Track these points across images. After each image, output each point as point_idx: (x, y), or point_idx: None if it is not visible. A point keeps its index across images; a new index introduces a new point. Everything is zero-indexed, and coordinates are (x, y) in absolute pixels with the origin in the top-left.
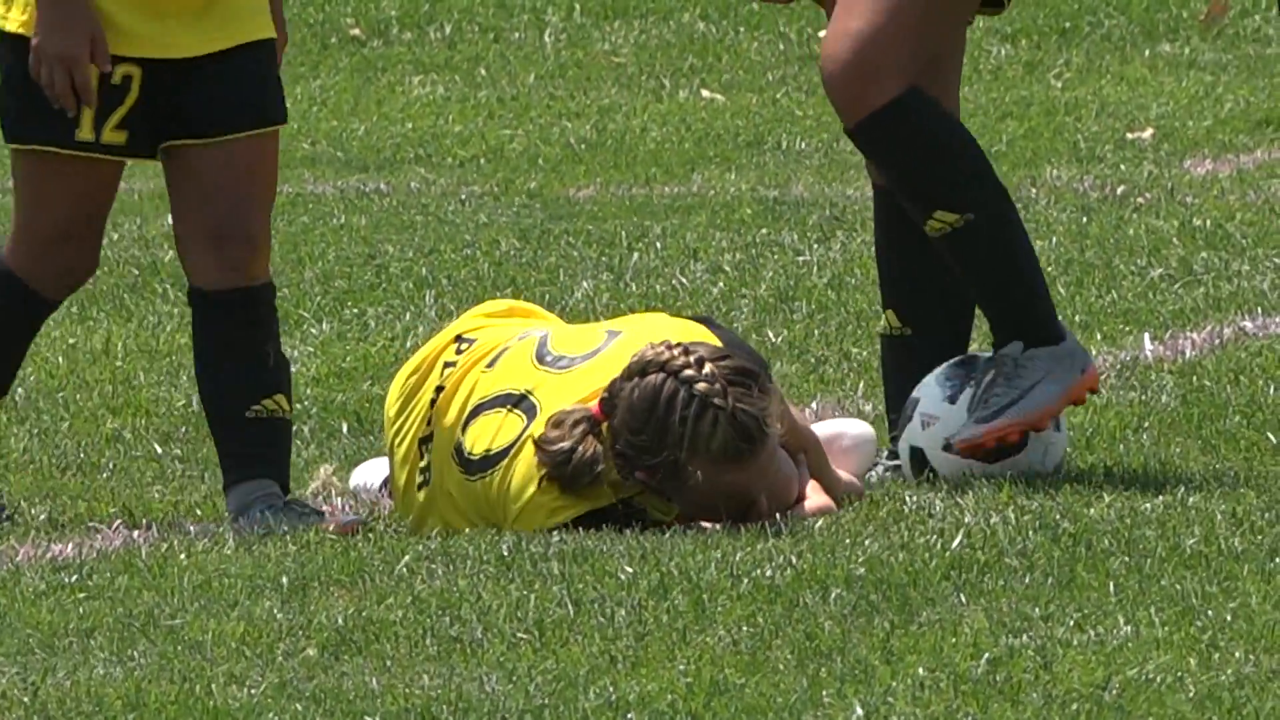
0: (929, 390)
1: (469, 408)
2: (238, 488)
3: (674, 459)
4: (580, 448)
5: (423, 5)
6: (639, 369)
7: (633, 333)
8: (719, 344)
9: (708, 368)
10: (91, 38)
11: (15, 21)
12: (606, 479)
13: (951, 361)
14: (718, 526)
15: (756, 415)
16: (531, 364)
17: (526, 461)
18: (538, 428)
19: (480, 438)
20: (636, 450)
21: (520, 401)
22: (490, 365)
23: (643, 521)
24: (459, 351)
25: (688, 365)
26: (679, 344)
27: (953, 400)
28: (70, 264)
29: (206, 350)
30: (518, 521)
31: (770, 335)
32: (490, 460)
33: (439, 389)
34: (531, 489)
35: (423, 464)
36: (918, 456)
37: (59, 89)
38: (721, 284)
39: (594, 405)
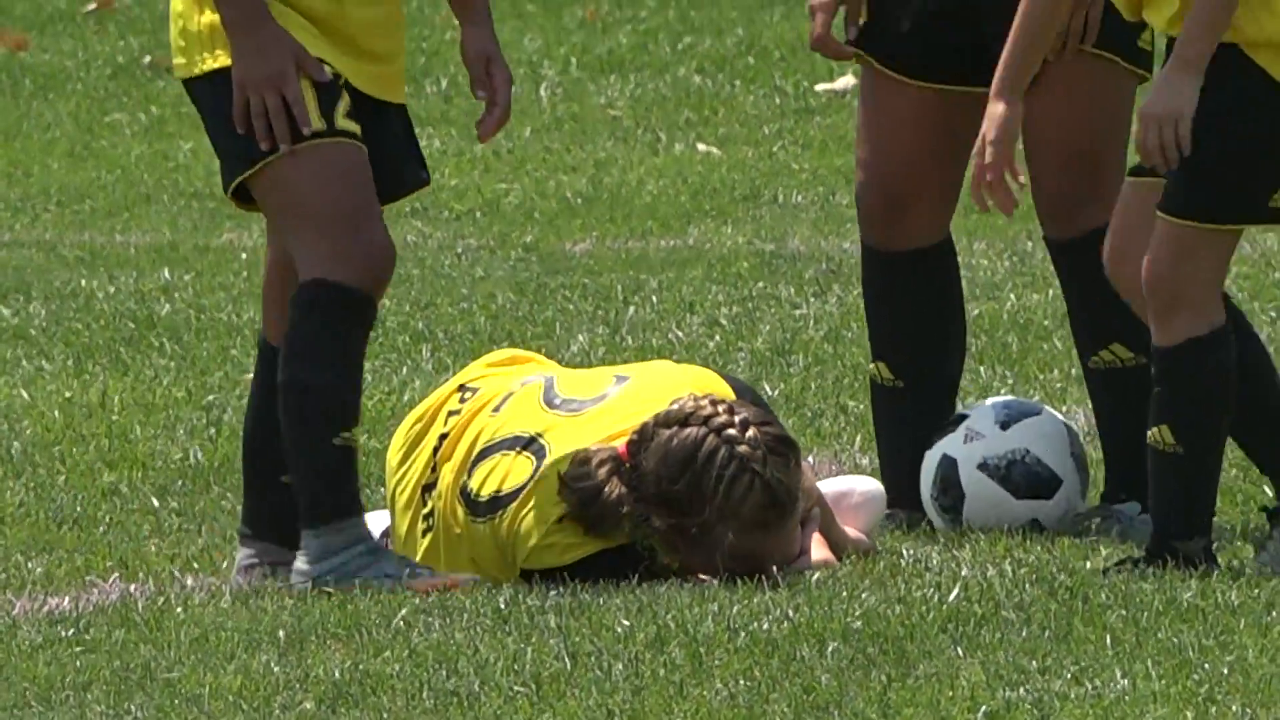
0: (982, 410)
1: (476, 450)
2: (256, 544)
3: (705, 519)
4: (607, 488)
5: (419, 59)
6: (679, 418)
7: (641, 378)
8: (732, 393)
9: (751, 431)
10: (294, 53)
11: (212, 60)
12: (627, 521)
13: (1007, 399)
14: (714, 580)
15: (790, 486)
16: (540, 407)
17: (539, 502)
18: (550, 469)
19: (489, 480)
20: (663, 499)
21: (530, 444)
22: (496, 410)
23: (649, 564)
24: (462, 400)
25: (731, 425)
26: (724, 401)
27: (1005, 427)
28: (367, 248)
29: (262, 403)
30: (528, 561)
31: (767, 388)
32: (500, 502)
33: (443, 436)
34: (544, 528)
35: (426, 510)
36: (948, 466)
37: (272, 110)
38: (718, 337)
39: (620, 445)
